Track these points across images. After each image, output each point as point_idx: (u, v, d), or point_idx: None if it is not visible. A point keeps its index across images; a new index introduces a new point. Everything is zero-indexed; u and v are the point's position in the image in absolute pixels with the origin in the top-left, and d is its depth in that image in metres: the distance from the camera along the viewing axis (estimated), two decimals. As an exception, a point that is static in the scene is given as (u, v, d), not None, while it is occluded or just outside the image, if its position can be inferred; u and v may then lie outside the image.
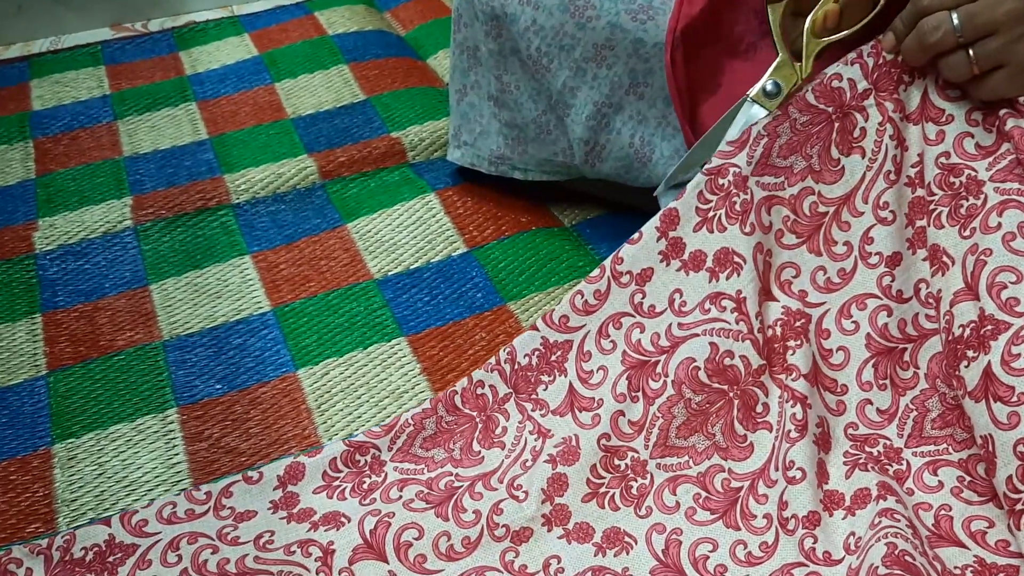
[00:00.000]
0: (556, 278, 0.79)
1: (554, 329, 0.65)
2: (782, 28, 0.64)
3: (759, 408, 0.61)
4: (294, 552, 0.59)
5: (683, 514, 0.59)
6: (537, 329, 0.65)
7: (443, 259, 0.83)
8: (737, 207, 0.63)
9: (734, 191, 0.63)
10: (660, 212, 0.64)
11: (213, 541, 0.60)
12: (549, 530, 0.60)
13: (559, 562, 0.58)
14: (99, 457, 0.68)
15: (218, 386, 0.73)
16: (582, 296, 0.65)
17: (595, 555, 0.58)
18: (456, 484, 0.62)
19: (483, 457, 0.64)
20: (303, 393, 0.72)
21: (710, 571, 0.57)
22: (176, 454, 0.68)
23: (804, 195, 0.63)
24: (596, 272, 0.64)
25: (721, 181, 0.63)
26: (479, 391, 0.66)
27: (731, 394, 0.61)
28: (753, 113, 0.63)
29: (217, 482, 0.63)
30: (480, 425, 0.65)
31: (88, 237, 0.88)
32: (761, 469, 0.60)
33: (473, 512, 0.61)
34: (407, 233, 0.85)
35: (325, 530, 0.60)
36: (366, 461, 0.64)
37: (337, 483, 0.63)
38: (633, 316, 0.64)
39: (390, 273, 0.82)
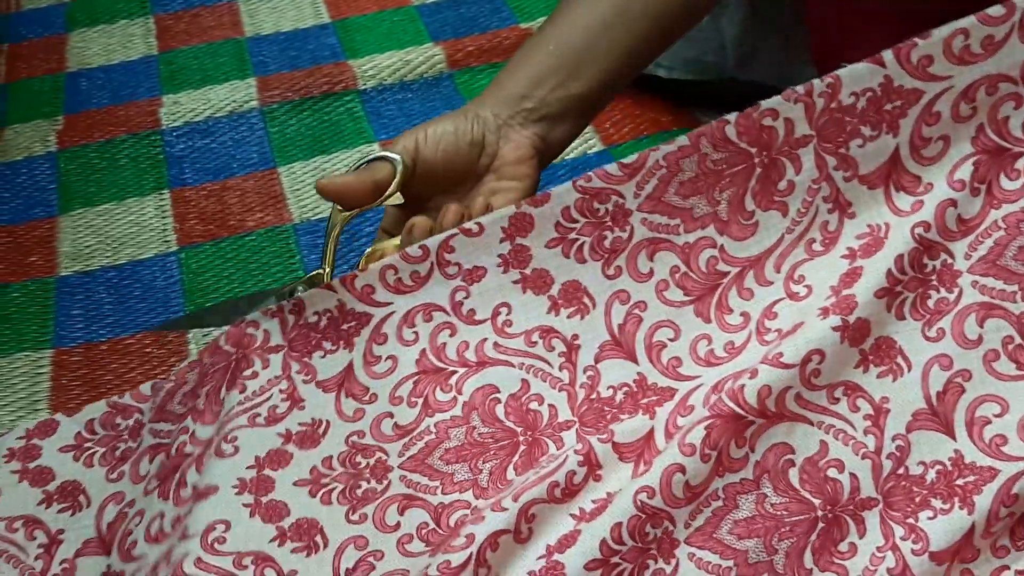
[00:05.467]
0: (700, 182, 0.76)
1: (354, 296, 0.54)
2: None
3: (543, 460, 0.51)
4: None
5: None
6: (333, 290, 0.54)
7: (578, 156, 0.80)
8: (607, 244, 0.52)
9: (608, 223, 0.52)
10: (510, 211, 0.53)
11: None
12: (239, 494, 0.50)
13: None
14: (234, 335, 0.68)
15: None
16: (395, 273, 0.53)
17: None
18: (186, 451, 0.53)
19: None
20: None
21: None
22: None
23: (702, 246, 0.52)
24: (417, 252, 0.53)
25: (597, 206, 0.52)
26: (249, 331, 0.54)
27: (520, 439, 0.51)
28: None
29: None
30: (233, 365, 0.54)
31: (214, 116, 0.87)
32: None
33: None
34: (539, 128, 0.82)
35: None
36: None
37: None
38: (448, 314, 0.53)
39: (523, 168, 0.79)
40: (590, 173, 0.52)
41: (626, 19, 0.57)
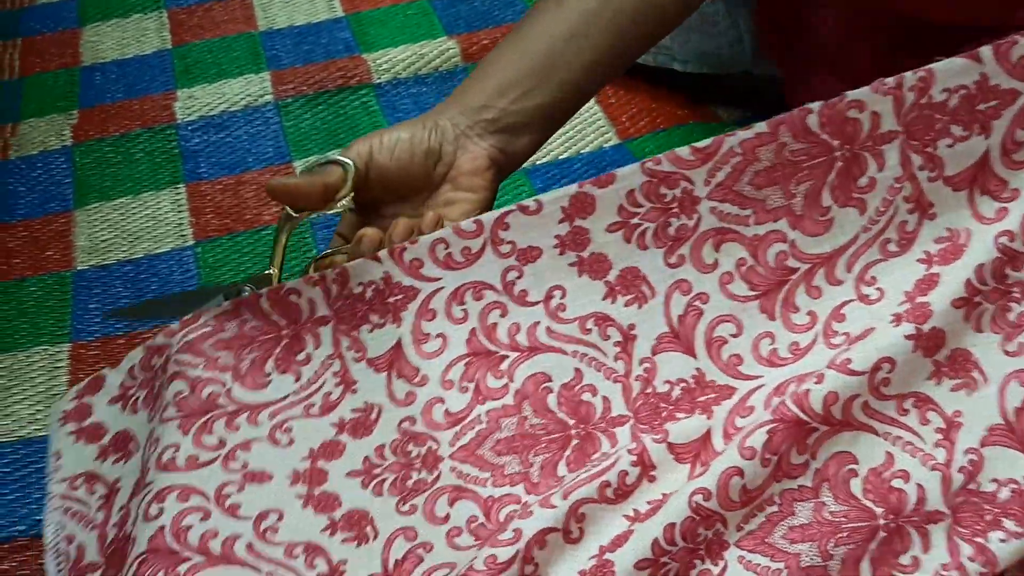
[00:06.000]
0: (717, 176, 0.75)
1: (402, 269, 0.52)
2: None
3: (595, 456, 0.49)
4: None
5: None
6: (380, 261, 0.52)
7: (594, 150, 0.79)
8: (671, 231, 0.50)
9: (675, 210, 0.50)
10: (571, 190, 0.51)
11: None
12: (292, 485, 0.50)
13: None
14: (251, 329, 0.68)
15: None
16: (445, 247, 0.51)
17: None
18: (219, 402, 0.52)
19: (269, 381, 0.52)
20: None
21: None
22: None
23: (772, 240, 0.50)
24: (471, 226, 0.51)
25: (664, 191, 0.50)
26: (291, 298, 0.53)
27: (573, 432, 0.50)
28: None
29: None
30: (285, 341, 0.53)
31: (229, 110, 0.87)
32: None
33: (218, 440, 0.51)
34: (555, 122, 0.82)
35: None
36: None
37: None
38: (498, 293, 0.51)
39: (539, 162, 0.79)
40: (660, 156, 0.50)
41: (592, 31, 0.55)
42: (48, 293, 0.73)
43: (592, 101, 0.83)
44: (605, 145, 0.80)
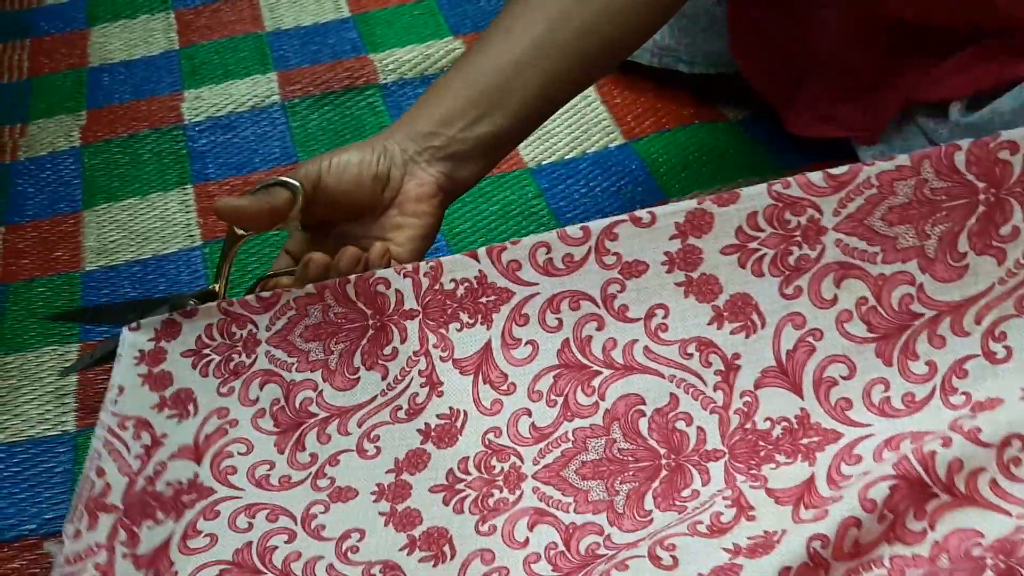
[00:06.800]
0: (722, 175, 0.75)
1: (498, 270, 0.51)
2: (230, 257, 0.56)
3: (686, 492, 0.47)
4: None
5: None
6: (476, 259, 0.51)
7: (599, 150, 0.80)
8: (791, 260, 0.48)
9: (798, 238, 0.47)
10: (690, 205, 0.49)
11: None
12: (376, 500, 0.50)
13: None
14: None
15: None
16: (547, 251, 0.50)
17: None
18: (311, 410, 0.53)
19: (358, 379, 0.52)
20: (460, 279, 0.70)
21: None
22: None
23: (898, 281, 0.47)
24: (577, 232, 0.50)
25: (788, 217, 0.47)
26: (379, 288, 0.52)
27: (663, 462, 0.48)
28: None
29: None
30: (371, 332, 0.52)
31: (236, 110, 0.88)
32: None
33: (310, 455, 0.52)
34: (560, 121, 0.82)
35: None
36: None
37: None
38: (597, 306, 0.50)
39: (544, 162, 0.79)
40: (790, 179, 0.47)
41: (542, 58, 0.55)
42: (57, 294, 0.73)
43: (597, 101, 0.83)
44: (610, 145, 0.80)
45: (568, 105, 0.82)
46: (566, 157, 0.79)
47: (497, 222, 0.75)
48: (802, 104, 0.73)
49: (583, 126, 0.81)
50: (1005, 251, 0.45)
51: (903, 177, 0.46)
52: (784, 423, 0.47)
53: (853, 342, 0.47)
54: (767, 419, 0.47)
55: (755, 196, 0.48)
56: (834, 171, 0.47)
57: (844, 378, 0.47)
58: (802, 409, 0.47)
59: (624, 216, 0.49)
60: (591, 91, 0.84)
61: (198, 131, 0.86)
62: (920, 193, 0.46)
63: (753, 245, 0.48)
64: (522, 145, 0.80)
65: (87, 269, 0.75)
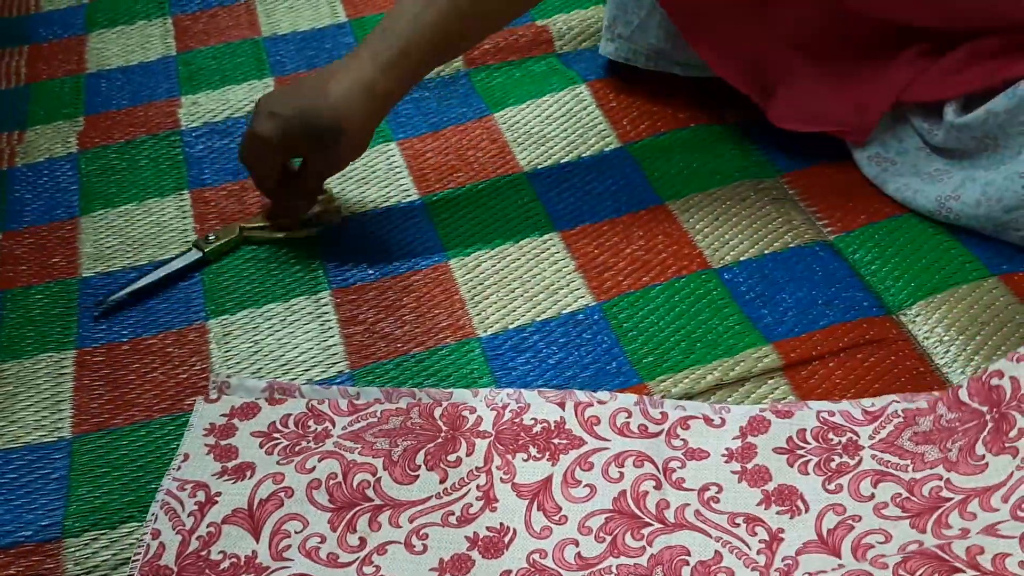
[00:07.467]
0: (719, 178, 0.75)
1: (578, 420, 0.58)
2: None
3: None
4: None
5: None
6: (562, 408, 0.59)
7: (595, 154, 0.80)
8: (833, 465, 0.55)
9: (839, 450, 0.56)
10: (752, 411, 0.58)
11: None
12: None
13: None
14: (254, 335, 0.69)
15: (371, 271, 0.72)
16: (626, 416, 0.58)
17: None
18: (367, 493, 0.56)
19: (417, 476, 0.57)
20: (455, 284, 0.70)
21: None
22: (332, 336, 0.67)
23: (928, 480, 0.53)
24: (657, 415, 0.58)
25: (831, 436, 0.56)
26: (464, 413, 0.59)
27: None
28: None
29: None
30: (440, 440, 0.58)
31: (233, 116, 0.88)
32: None
33: (359, 539, 0.54)
34: (556, 125, 0.82)
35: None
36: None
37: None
38: (657, 471, 0.56)
39: (540, 166, 0.79)
40: (834, 409, 0.57)
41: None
42: (54, 300, 0.73)
43: (593, 105, 0.83)
44: (606, 149, 0.80)
45: (564, 109, 0.84)
46: (562, 161, 0.79)
47: (494, 226, 0.75)
48: (779, 97, 0.74)
49: (579, 130, 0.82)
50: (1017, 448, 0.52)
51: (923, 414, 0.56)
52: (822, 574, 0.51)
53: (890, 520, 0.52)
54: (806, 574, 0.51)
55: (806, 417, 0.57)
56: (868, 407, 0.57)
57: (881, 543, 0.51)
58: (840, 565, 0.51)
59: (699, 415, 0.58)
60: (587, 94, 0.84)
61: (195, 137, 0.86)
62: (938, 424, 0.55)
63: (800, 452, 0.56)
64: (517, 149, 0.81)
65: (84, 275, 0.75)
